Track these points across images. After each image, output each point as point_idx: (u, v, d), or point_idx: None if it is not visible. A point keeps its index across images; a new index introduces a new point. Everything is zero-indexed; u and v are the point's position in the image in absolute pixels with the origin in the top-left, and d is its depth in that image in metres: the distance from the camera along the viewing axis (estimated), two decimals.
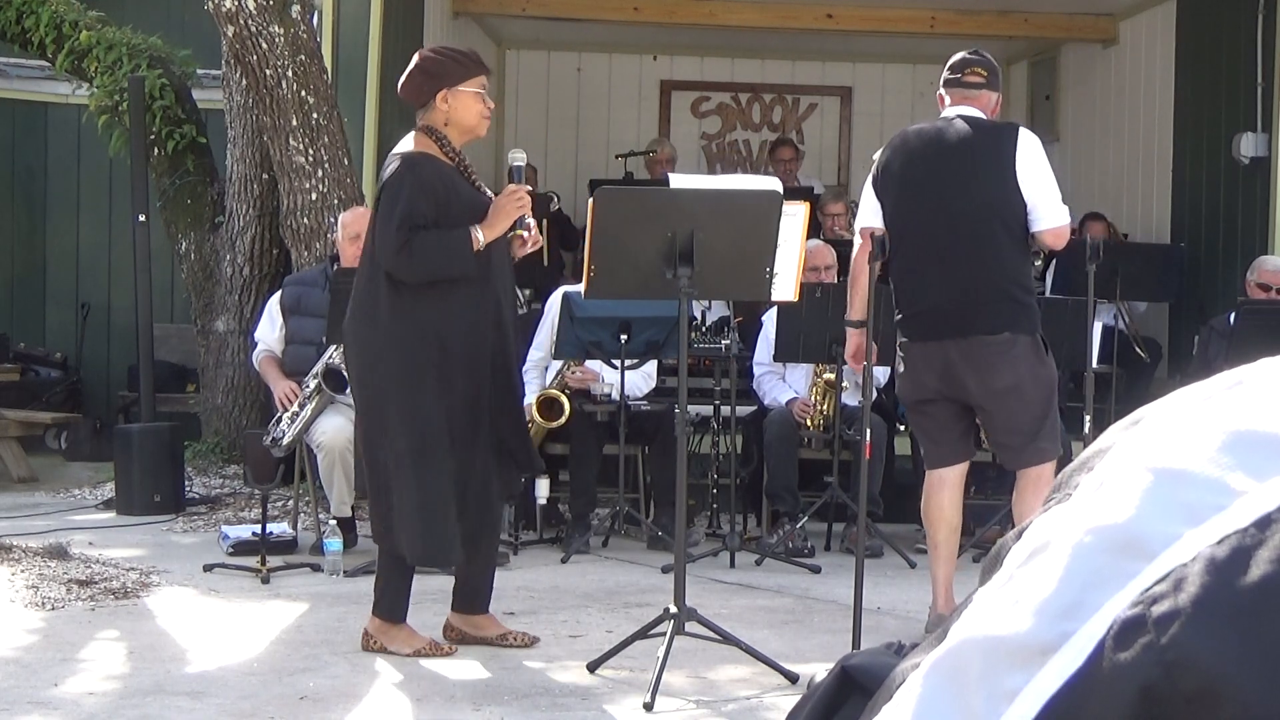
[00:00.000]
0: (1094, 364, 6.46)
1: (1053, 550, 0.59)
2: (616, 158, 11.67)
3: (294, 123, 8.26)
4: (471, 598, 5.48)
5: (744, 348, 7.86)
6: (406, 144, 5.23)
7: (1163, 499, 0.58)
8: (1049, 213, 5.48)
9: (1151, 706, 0.55)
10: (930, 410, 5.63)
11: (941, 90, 5.69)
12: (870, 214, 5.66)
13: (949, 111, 5.63)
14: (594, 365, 7.59)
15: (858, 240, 5.75)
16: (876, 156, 5.75)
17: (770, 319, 7.56)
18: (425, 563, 5.46)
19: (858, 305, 5.67)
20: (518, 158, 5.55)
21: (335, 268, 7.27)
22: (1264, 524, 0.56)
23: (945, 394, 5.57)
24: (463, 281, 5.11)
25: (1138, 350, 8.58)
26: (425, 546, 5.20)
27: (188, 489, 8.44)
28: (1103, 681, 0.56)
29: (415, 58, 5.33)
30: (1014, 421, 5.49)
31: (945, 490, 5.65)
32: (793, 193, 7.74)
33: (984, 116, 5.60)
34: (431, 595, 6.25)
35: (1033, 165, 5.47)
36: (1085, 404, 5.83)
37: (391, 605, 5.33)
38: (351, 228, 7.30)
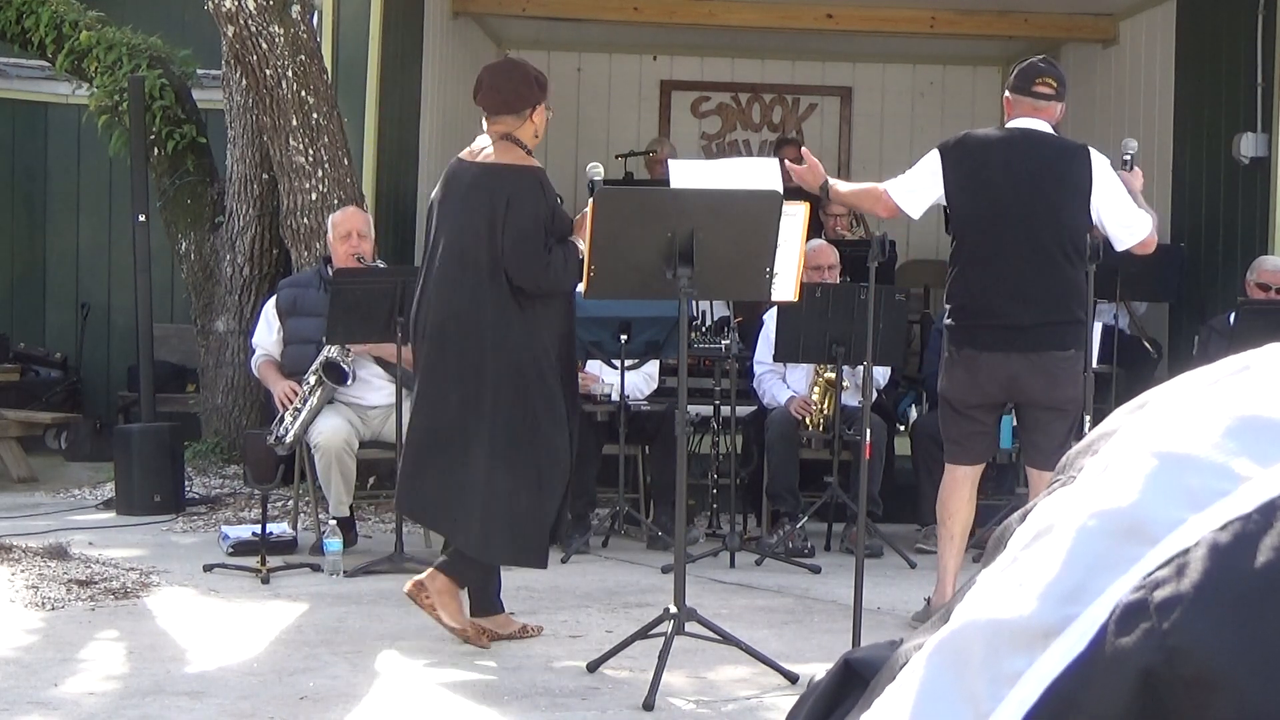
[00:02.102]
0: (1094, 364, 6.45)
1: (1056, 533, 0.59)
2: (616, 158, 11.67)
3: (294, 123, 8.26)
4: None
5: (744, 348, 7.85)
6: (504, 153, 5.28)
7: (1167, 483, 0.58)
8: (1135, 229, 5.69)
9: (1152, 691, 0.54)
10: (975, 415, 5.80)
11: (1009, 94, 5.82)
12: (912, 197, 5.76)
13: (1020, 122, 5.76)
14: (594, 365, 7.59)
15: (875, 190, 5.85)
16: (940, 147, 5.81)
17: (771, 318, 7.56)
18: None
19: (845, 192, 5.99)
20: (597, 171, 6.01)
21: (330, 268, 7.26)
22: (1268, 510, 0.56)
23: (1000, 400, 5.81)
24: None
25: (1146, 345, 8.61)
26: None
27: (188, 489, 8.44)
28: (1104, 665, 0.56)
29: (513, 67, 5.49)
30: (1059, 428, 5.71)
31: (967, 486, 5.83)
32: (793, 193, 7.73)
33: (1052, 130, 5.76)
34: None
35: (1107, 189, 5.68)
36: (1085, 404, 5.85)
37: (465, 569, 5.33)
38: (342, 227, 7.30)
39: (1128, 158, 5.93)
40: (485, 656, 5.28)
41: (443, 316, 5.26)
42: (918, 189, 5.77)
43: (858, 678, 0.69)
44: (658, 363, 7.84)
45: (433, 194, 5.50)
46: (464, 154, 5.46)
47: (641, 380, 7.72)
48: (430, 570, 5.34)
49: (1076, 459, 0.63)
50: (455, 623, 5.28)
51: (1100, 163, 5.71)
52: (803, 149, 6.02)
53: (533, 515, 5.25)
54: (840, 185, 5.99)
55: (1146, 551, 0.56)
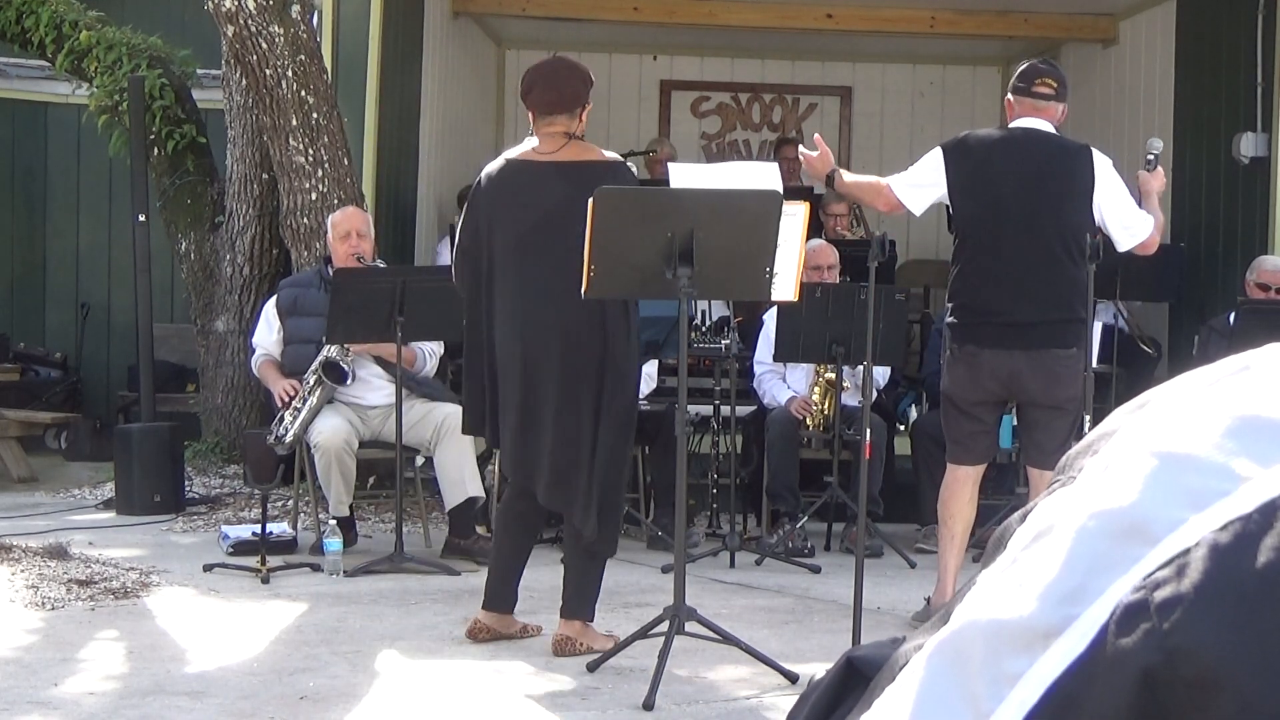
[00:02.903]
0: (1094, 364, 6.46)
1: (1057, 534, 0.59)
2: None
3: (294, 123, 8.26)
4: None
5: (744, 348, 7.85)
6: (584, 150, 5.29)
7: (1167, 483, 0.57)
8: (1135, 230, 5.73)
9: (1152, 691, 0.54)
10: (977, 413, 5.82)
11: (1010, 96, 5.85)
12: (914, 193, 5.79)
13: (1022, 122, 5.79)
14: None
15: (886, 187, 5.84)
16: (942, 146, 5.83)
17: (771, 318, 7.56)
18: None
19: (849, 182, 6.02)
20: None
21: (331, 268, 7.26)
22: (1268, 510, 0.56)
23: (1001, 398, 5.83)
24: None
25: (1143, 346, 8.60)
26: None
27: (188, 489, 8.44)
28: (1105, 666, 0.56)
29: (566, 65, 5.46)
30: (1060, 427, 5.73)
31: (969, 486, 5.84)
32: (793, 192, 7.74)
33: (1055, 130, 5.78)
34: (431, 595, 6.26)
35: (1109, 190, 5.71)
36: (1085, 404, 5.85)
37: (593, 604, 5.39)
38: (341, 227, 7.30)
39: (1152, 157, 5.94)
40: (485, 656, 5.28)
41: (554, 325, 5.19)
42: (920, 185, 5.80)
43: (860, 676, 0.69)
44: (657, 362, 7.83)
45: (480, 193, 5.32)
46: (521, 154, 5.32)
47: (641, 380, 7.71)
48: (561, 623, 5.34)
49: (1077, 459, 0.63)
50: (608, 644, 5.25)
51: (1102, 163, 5.72)
52: (815, 135, 6.04)
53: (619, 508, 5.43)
54: (845, 176, 6.02)
55: (1147, 552, 0.56)
